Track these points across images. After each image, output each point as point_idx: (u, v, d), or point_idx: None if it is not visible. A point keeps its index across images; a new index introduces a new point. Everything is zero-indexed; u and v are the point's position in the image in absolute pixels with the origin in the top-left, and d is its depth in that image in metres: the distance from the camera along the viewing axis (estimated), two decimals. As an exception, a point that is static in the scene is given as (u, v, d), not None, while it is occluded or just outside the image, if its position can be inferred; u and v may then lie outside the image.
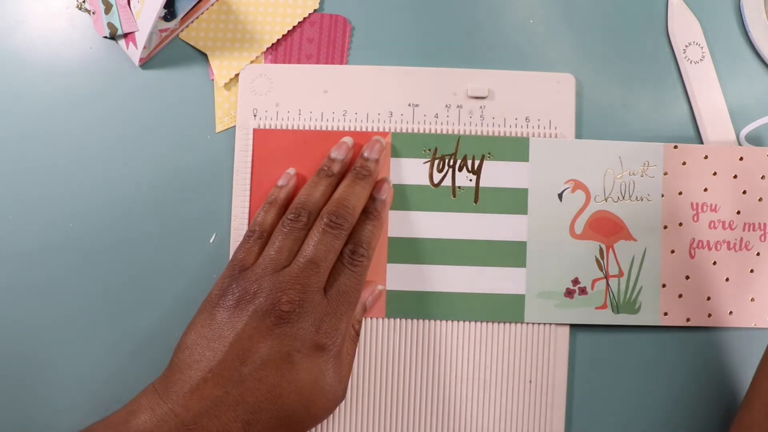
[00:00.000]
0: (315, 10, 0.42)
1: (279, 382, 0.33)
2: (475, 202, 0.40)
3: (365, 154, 0.39)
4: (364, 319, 0.40)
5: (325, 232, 0.35)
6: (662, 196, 0.41)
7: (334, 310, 0.35)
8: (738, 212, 0.41)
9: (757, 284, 0.41)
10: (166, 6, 0.40)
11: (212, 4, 0.42)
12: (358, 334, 0.38)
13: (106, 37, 0.41)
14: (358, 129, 0.41)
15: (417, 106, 0.41)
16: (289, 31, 0.42)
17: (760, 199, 0.41)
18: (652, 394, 0.41)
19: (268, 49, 0.42)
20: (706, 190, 0.41)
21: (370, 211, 0.38)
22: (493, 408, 0.40)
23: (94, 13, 0.41)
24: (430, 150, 0.41)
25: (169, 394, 0.32)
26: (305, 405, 0.34)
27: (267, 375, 0.33)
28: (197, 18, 0.42)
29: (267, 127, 0.41)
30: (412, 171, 0.40)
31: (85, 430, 0.33)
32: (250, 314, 0.33)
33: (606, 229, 0.40)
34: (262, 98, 0.41)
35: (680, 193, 0.41)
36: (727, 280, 0.41)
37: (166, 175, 0.41)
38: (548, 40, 0.43)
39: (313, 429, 0.39)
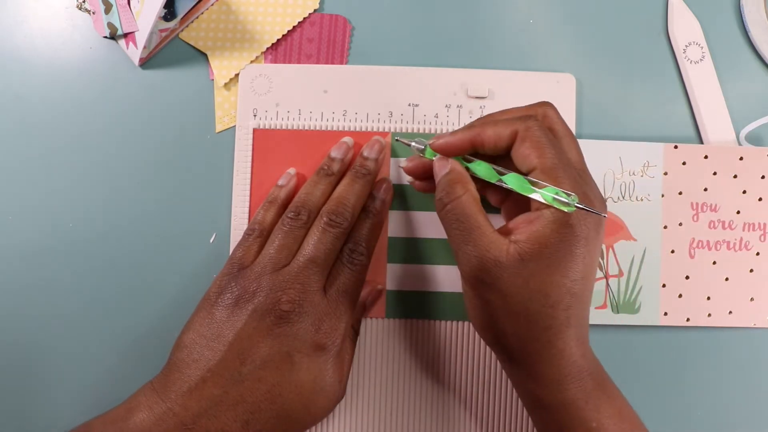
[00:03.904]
0: (315, 10, 0.42)
1: (279, 381, 0.33)
2: (475, 202, 0.40)
3: (365, 153, 0.39)
4: (364, 319, 0.40)
5: (324, 231, 0.35)
6: (662, 196, 0.41)
7: (333, 310, 0.35)
8: (738, 212, 0.41)
9: (757, 284, 0.41)
10: (166, 6, 0.40)
11: (212, 4, 0.42)
12: (357, 333, 0.38)
13: (106, 37, 0.41)
14: (358, 129, 0.41)
15: (417, 106, 0.41)
16: (289, 31, 0.42)
17: (760, 199, 0.41)
18: (651, 394, 0.41)
19: (268, 49, 0.42)
20: (706, 190, 0.41)
21: (370, 209, 0.38)
22: (494, 408, 0.40)
23: (94, 13, 0.41)
24: (430, 150, 0.40)
25: (168, 393, 0.32)
26: (305, 404, 0.33)
27: (267, 375, 0.33)
28: (197, 18, 0.42)
29: (267, 127, 0.41)
30: (412, 171, 0.40)
31: (83, 425, 0.33)
32: (249, 313, 0.33)
33: (606, 229, 0.40)
34: (262, 98, 0.41)
35: (680, 193, 0.41)
36: (726, 279, 0.41)
37: (166, 175, 0.41)
38: (548, 40, 0.43)
39: (313, 428, 0.39)
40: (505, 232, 0.32)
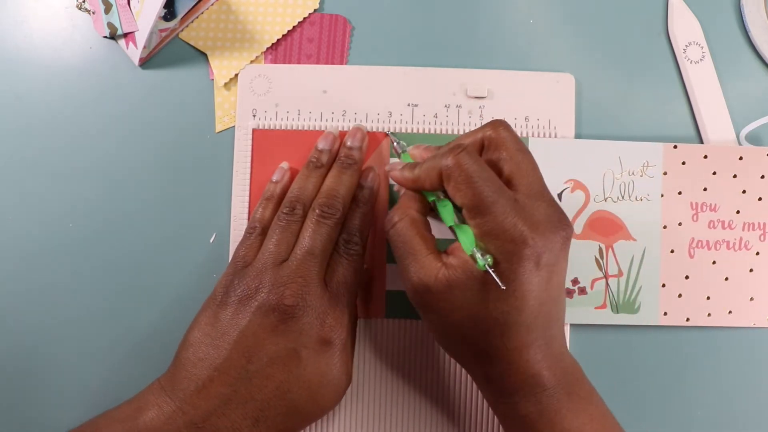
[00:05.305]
0: (315, 10, 0.42)
1: (287, 378, 0.33)
2: (475, 201, 0.40)
3: (348, 143, 0.39)
4: (363, 319, 0.40)
5: (318, 222, 0.36)
6: (662, 195, 0.41)
7: (336, 302, 0.35)
8: (737, 212, 0.41)
9: (757, 283, 0.41)
10: (166, 6, 0.40)
11: (212, 4, 0.42)
12: (356, 319, 0.38)
13: (106, 37, 0.41)
14: (357, 129, 0.41)
15: (416, 106, 0.41)
16: (289, 31, 0.42)
17: (760, 199, 0.41)
18: (651, 394, 0.41)
19: (268, 49, 0.42)
20: (705, 189, 0.41)
21: (359, 199, 0.38)
22: (493, 408, 0.40)
23: (94, 13, 0.41)
24: (429, 150, 0.40)
25: (176, 392, 0.32)
26: (314, 398, 0.34)
27: (274, 372, 0.33)
28: (197, 18, 0.42)
29: (266, 127, 0.41)
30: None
31: (89, 421, 0.33)
32: (253, 311, 0.33)
33: (605, 229, 0.40)
34: (261, 98, 0.41)
35: (680, 193, 0.41)
36: (726, 279, 0.41)
37: (166, 175, 0.41)
38: (548, 40, 0.43)
39: (313, 428, 0.39)
40: (448, 253, 0.32)
